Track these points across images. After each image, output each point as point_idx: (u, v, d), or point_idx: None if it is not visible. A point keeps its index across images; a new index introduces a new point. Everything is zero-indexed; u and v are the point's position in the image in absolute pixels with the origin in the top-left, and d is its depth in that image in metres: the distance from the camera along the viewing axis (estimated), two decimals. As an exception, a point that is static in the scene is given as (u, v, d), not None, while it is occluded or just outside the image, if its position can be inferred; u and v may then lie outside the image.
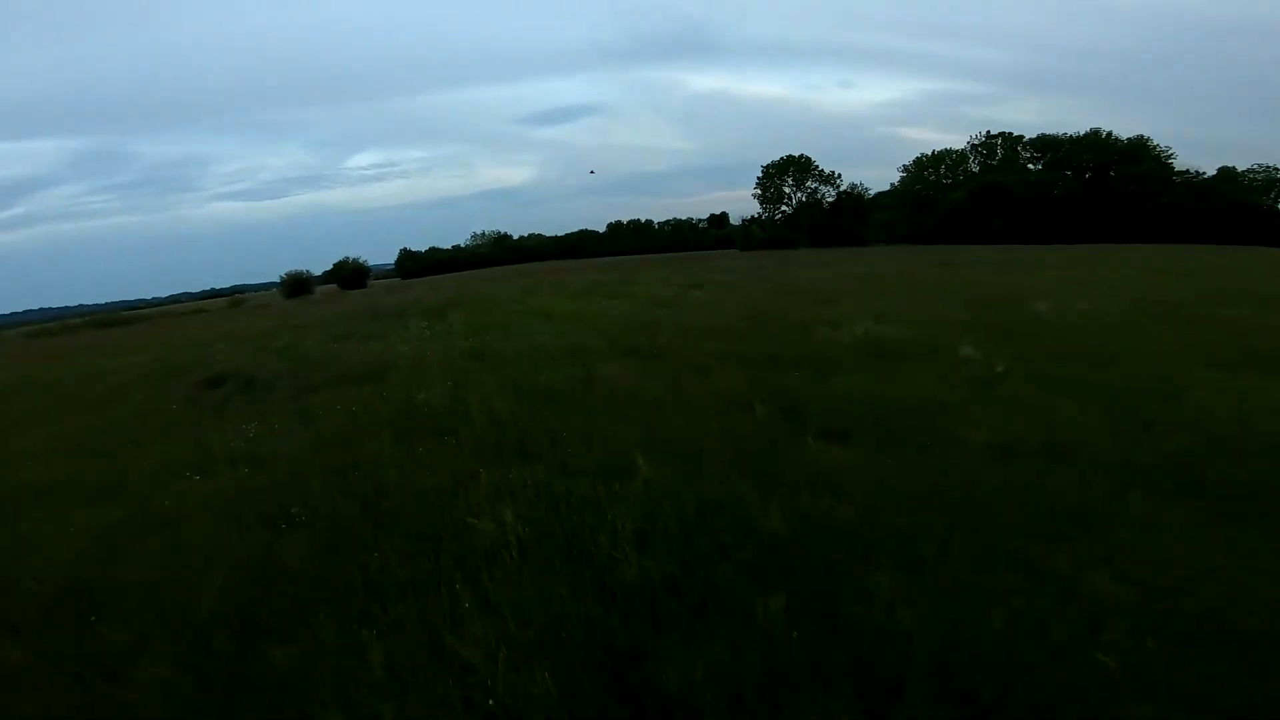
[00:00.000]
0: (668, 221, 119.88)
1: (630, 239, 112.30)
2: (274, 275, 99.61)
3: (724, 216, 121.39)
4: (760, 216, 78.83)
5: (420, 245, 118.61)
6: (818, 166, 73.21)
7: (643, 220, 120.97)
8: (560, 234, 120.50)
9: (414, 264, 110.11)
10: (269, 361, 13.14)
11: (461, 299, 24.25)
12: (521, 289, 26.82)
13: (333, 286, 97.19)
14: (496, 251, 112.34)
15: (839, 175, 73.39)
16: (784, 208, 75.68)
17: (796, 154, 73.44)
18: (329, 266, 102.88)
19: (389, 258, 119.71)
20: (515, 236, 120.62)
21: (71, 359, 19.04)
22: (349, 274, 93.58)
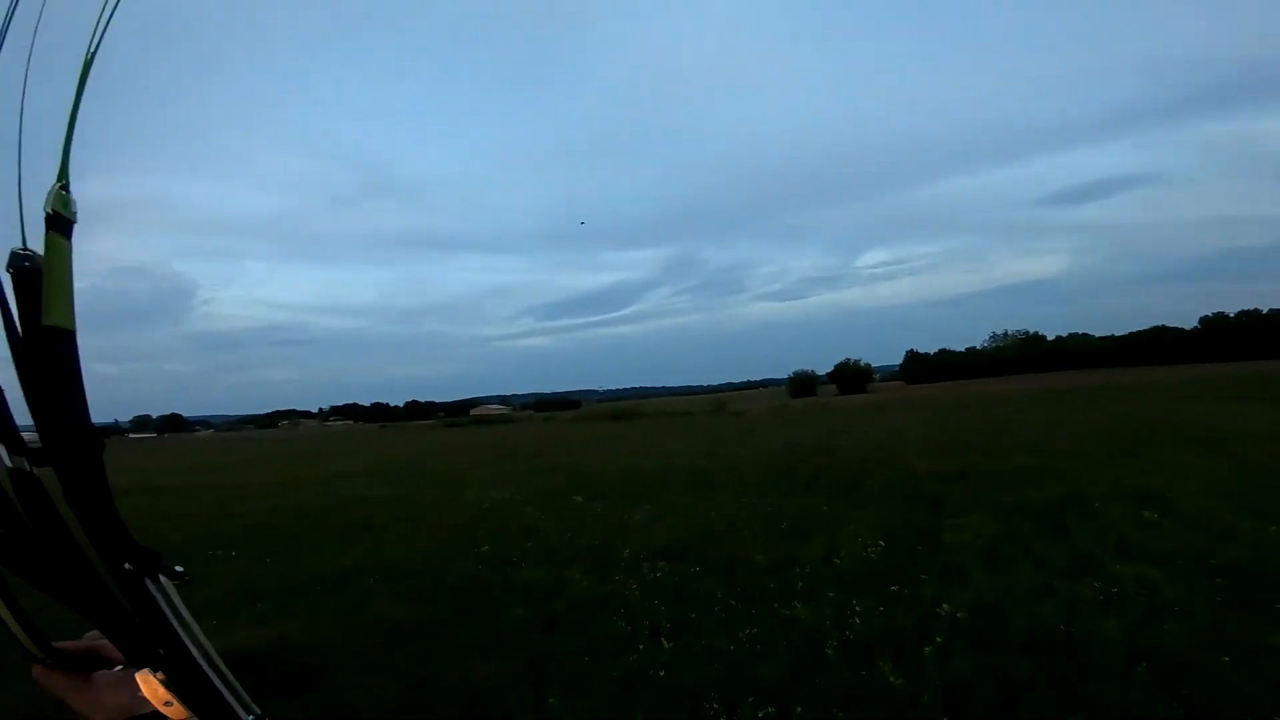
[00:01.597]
0: (1321, 312, 75.86)
1: (1247, 339, 74.63)
2: (789, 371, 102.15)
3: None
4: None
5: (928, 346, 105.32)
6: None
7: (1263, 311, 79.80)
8: (1120, 333, 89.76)
9: (920, 367, 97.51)
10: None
11: (980, 457, 12.69)
12: (1134, 447, 13.48)
13: (833, 387, 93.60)
14: (1024, 354, 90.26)
15: None
16: None
17: None
18: (835, 365, 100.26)
19: (895, 358, 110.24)
20: (1050, 337, 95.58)
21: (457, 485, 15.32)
22: (849, 375, 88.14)
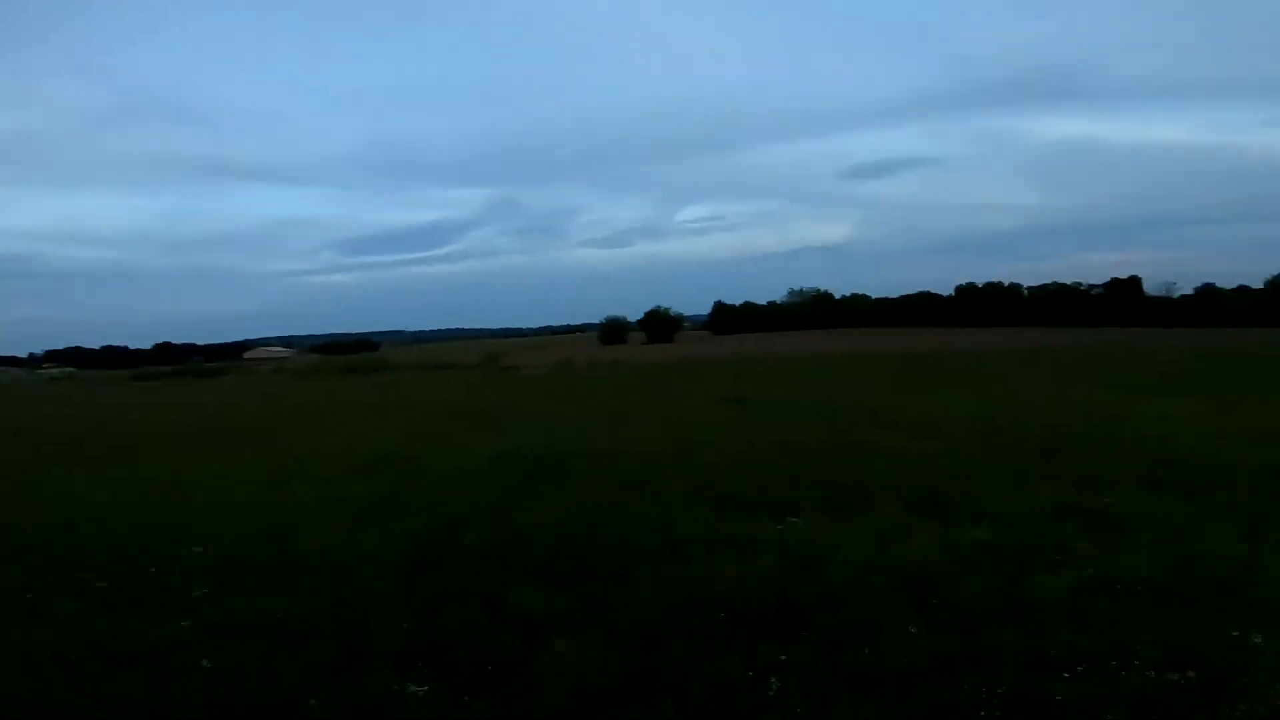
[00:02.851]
0: (1043, 286, 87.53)
1: (989, 307, 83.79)
2: (603, 316, 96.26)
3: (1134, 281, 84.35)
4: None
5: (735, 298, 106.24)
6: None
7: (1006, 283, 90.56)
8: (893, 295, 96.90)
9: (726, 318, 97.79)
10: None
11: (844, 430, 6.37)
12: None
13: (643, 334, 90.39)
14: (816, 311, 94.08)
15: None
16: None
17: None
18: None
19: (705, 309, 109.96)
20: (838, 296, 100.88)
21: None
22: (657, 324, 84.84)
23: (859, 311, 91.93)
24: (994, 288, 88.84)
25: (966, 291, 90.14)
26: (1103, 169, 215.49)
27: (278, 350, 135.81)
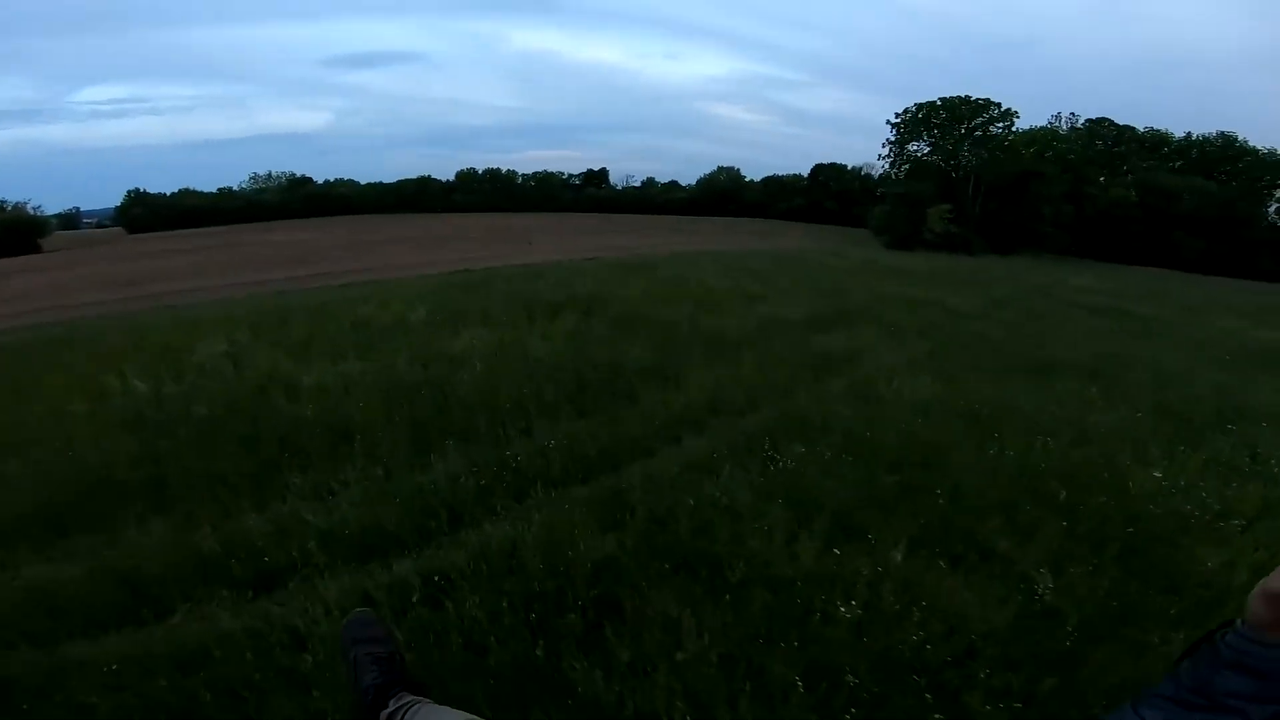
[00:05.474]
0: (534, 175, 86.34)
1: (489, 193, 78.04)
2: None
3: (604, 173, 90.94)
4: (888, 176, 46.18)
5: (167, 187, 72.19)
6: (1008, 111, 41.35)
7: (503, 171, 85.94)
8: (389, 181, 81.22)
9: (148, 212, 64.50)
10: None
11: None
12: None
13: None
14: (291, 199, 70.87)
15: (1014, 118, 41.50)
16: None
17: (965, 95, 41.32)
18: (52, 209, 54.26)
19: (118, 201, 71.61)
20: (319, 181, 78.89)
21: None
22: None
23: (348, 198, 73.47)
24: (493, 174, 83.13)
25: (467, 176, 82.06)
26: (558, 78, 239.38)
27: None
